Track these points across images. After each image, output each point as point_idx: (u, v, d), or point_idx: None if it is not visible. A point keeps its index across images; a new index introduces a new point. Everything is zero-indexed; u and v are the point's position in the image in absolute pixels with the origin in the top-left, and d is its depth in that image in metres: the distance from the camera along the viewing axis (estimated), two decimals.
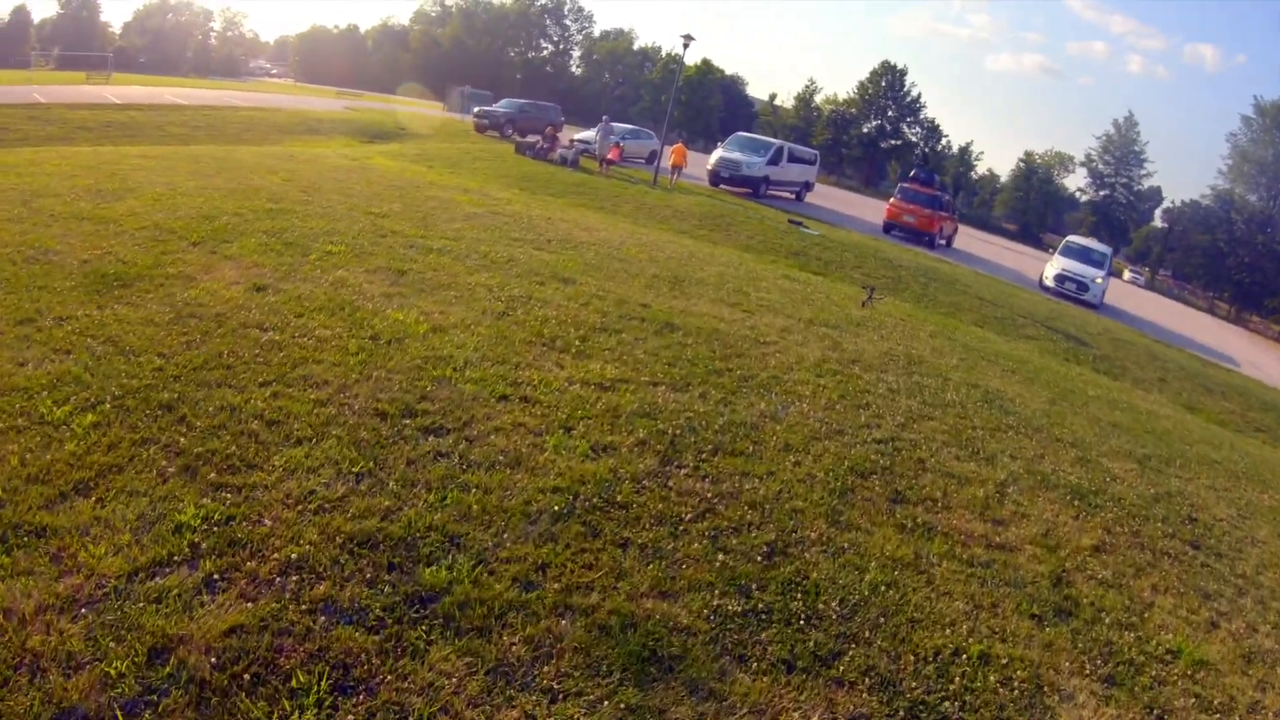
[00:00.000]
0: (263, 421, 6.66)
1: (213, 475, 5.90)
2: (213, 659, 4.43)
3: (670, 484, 6.83)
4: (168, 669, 4.34)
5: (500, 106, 51.30)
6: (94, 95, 42.64)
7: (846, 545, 6.55)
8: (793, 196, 43.71)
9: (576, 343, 9.89)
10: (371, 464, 6.28)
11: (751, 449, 7.75)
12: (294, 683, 4.41)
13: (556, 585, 5.35)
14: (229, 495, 5.72)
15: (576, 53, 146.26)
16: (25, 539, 5.17)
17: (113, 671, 4.28)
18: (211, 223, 12.80)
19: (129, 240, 11.34)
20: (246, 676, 4.38)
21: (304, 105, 53.72)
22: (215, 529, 5.37)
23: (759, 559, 6.10)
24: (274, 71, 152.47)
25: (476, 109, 51.90)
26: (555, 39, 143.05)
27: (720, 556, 6.01)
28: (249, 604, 4.80)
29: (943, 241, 41.26)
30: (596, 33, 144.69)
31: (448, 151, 34.00)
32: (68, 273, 9.63)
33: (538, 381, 8.35)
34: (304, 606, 4.83)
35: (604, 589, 5.42)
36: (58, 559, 5.04)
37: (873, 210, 49.50)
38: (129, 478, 5.80)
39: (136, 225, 12.17)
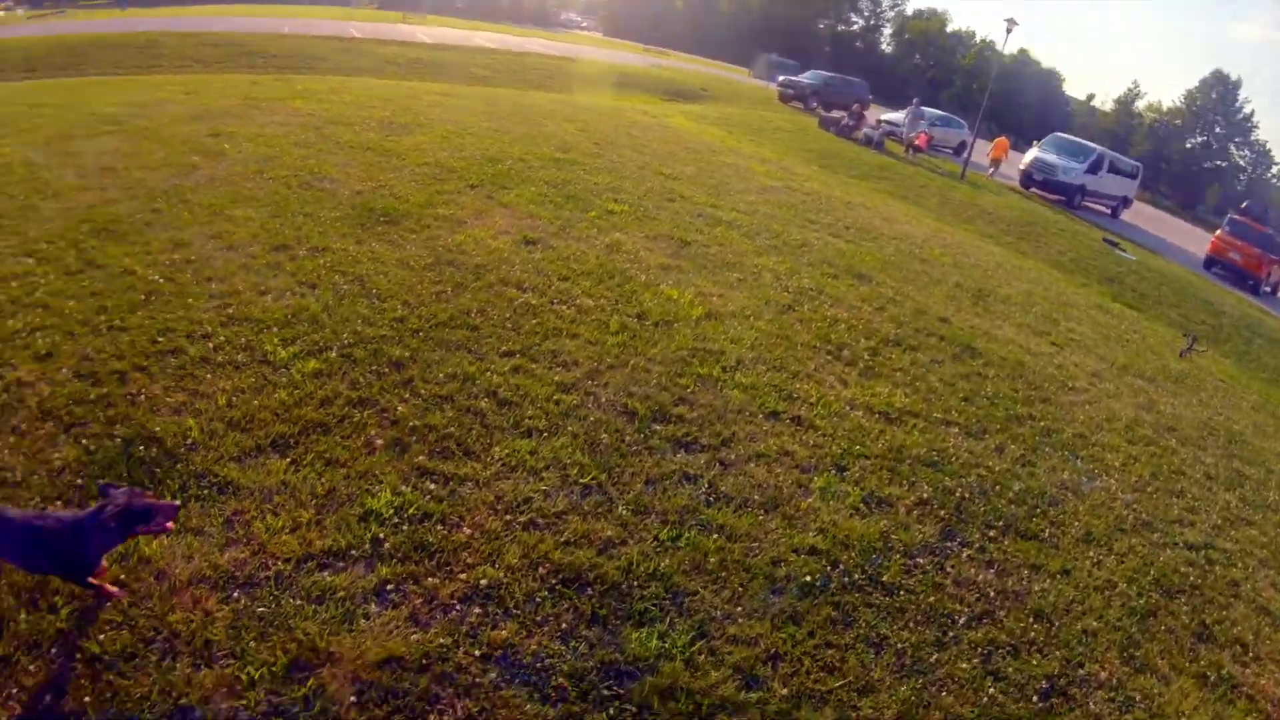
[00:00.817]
0: (494, 400, 5.98)
1: (422, 457, 5.26)
2: (355, 693, 3.75)
3: (948, 567, 5.54)
4: (303, 690, 3.72)
5: (806, 77, 49.22)
6: (407, 34, 44.54)
7: (1138, 695, 5.04)
8: (1108, 212, 39.66)
9: (865, 356, 8.56)
10: (604, 476, 5.44)
11: (1047, 533, 6.38)
12: None
13: (785, 689, 4.25)
14: (433, 486, 5.06)
15: (887, 30, 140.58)
16: (206, 492, 4.73)
17: (244, 677, 3.71)
18: (494, 166, 12.43)
19: (407, 176, 11.12)
20: None
21: (609, 58, 54.26)
22: (406, 525, 4.73)
23: (1034, 698, 4.72)
24: (583, 24, 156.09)
25: (781, 78, 50.20)
26: (866, 14, 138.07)
27: (989, 685, 4.69)
28: (417, 632, 4.09)
29: (1268, 289, 36.19)
30: (910, 10, 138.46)
31: (748, 118, 32.90)
32: (338, 202, 9.43)
33: (815, 399, 7.19)
34: (478, 650, 4.06)
35: (841, 705, 4.28)
36: (231, 523, 4.55)
37: (1191, 239, 44.28)
38: (333, 442, 5.25)
39: (418, 161, 11.98)
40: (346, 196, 9.64)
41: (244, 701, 3.65)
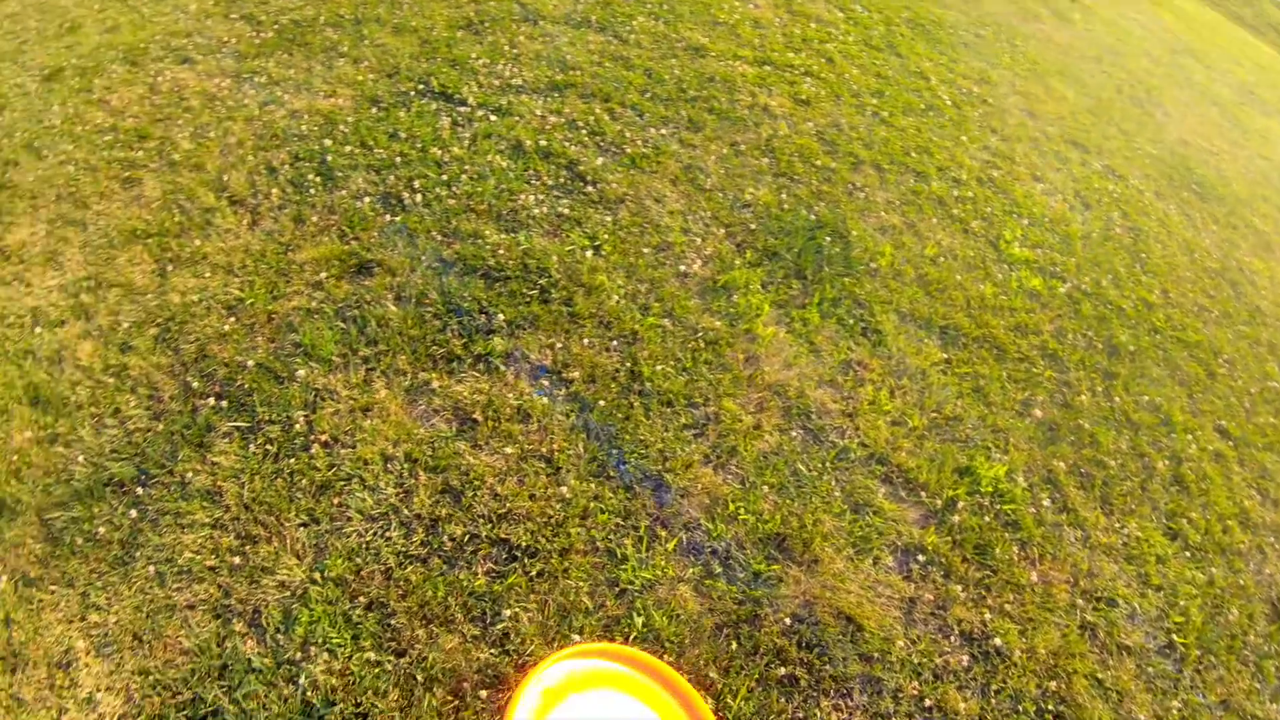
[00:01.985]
0: (1171, 470, 4.52)
1: (1062, 469, 4.09)
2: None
3: None
4: None
5: None
6: None
7: None
8: None
9: None
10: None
11: None
12: None
13: None
14: (1054, 511, 3.94)
15: None
16: (852, 322, 4.12)
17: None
18: None
19: (1251, 151, 9.13)
20: None
21: None
22: (982, 528, 3.69)
23: None
24: None
25: None
26: None
27: None
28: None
29: None
30: None
31: None
32: (1159, 136, 7.95)
33: None
34: None
35: None
36: (848, 367, 3.91)
37: None
38: (995, 375, 4.33)
39: None
40: (1171, 139, 8.10)
41: None
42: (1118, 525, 4.07)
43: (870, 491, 3.50)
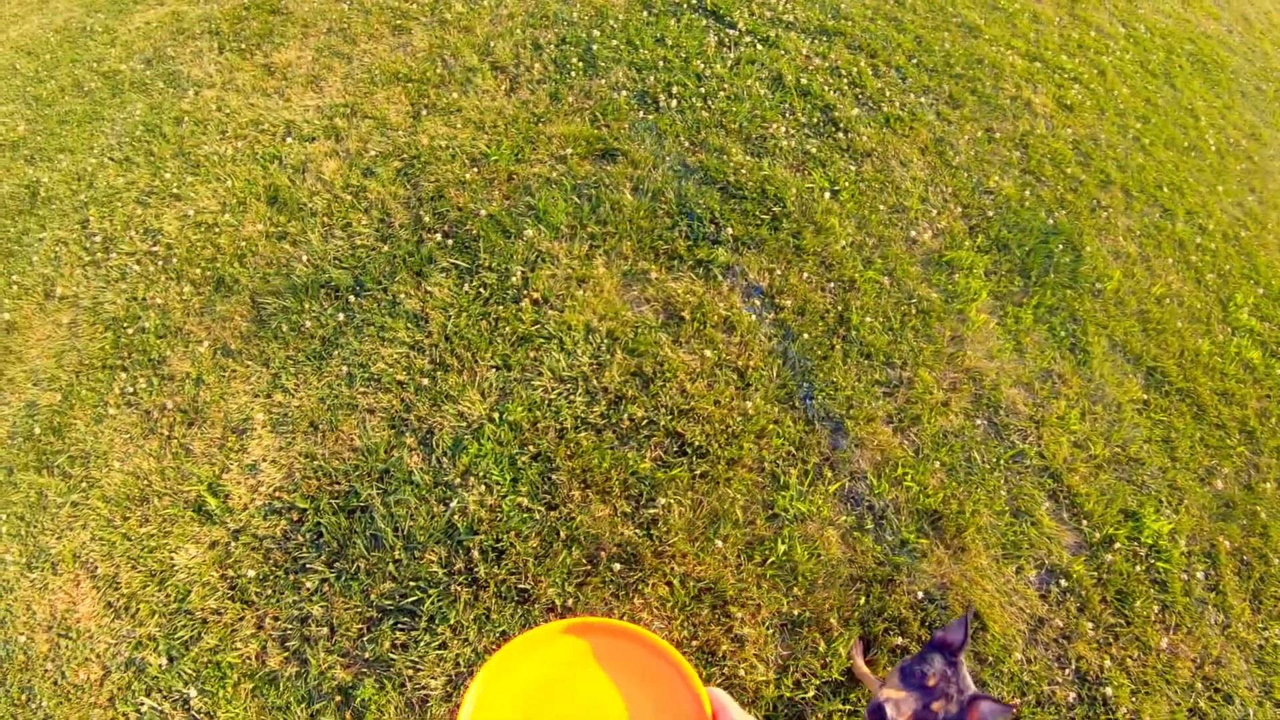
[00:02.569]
0: None
1: (1236, 530, 3.91)
2: None
3: None
4: None
5: None
6: None
7: None
8: None
9: None
10: None
11: None
12: None
13: None
14: None
15: None
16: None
17: None
18: None
19: None
20: None
21: None
22: None
23: None
24: None
25: None
26: None
27: None
28: None
29: None
30: None
31: None
32: None
33: None
34: None
35: None
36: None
37: None
38: (1190, 459, 4.05)
39: None
40: None
41: None
42: (1260, 624, 3.86)
43: (1034, 502, 3.42)
